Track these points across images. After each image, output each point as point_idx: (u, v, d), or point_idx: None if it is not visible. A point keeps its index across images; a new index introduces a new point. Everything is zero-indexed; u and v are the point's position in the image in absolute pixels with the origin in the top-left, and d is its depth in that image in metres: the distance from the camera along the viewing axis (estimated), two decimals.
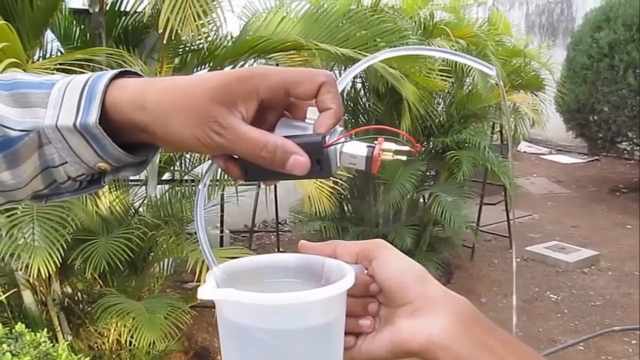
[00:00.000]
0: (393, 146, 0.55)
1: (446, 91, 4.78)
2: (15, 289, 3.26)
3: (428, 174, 5.12)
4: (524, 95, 4.87)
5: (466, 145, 4.61)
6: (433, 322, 0.56)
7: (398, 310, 0.59)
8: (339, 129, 0.56)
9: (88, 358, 1.87)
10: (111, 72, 0.56)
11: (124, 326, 3.32)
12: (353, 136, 0.56)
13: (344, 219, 5.13)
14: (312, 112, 0.57)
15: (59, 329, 3.31)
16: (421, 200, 5.20)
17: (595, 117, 8.07)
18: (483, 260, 5.79)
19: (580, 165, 10.23)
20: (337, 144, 0.55)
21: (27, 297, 3.25)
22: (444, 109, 4.90)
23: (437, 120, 4.75)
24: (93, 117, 0.53)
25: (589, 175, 9.52)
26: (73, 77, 0.56)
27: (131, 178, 4.12)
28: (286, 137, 0.55)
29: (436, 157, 4.92)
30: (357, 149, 0.56)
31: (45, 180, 0.58)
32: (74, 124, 0.53)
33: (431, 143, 4.82)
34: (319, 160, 0.55)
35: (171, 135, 0.54)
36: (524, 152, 10.95)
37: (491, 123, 5.37)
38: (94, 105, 0.53)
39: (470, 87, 4.97)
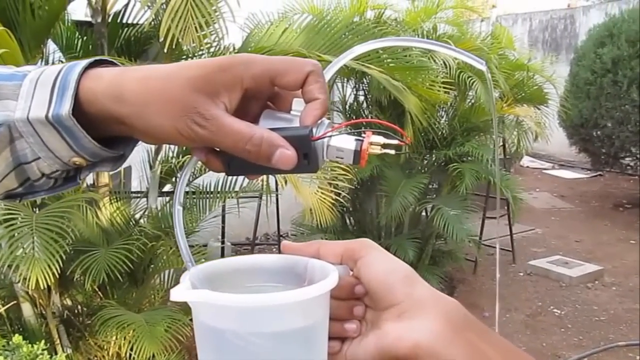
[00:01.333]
0: (381, 139, 0.54)
1: (449, 104, 4.78)
2: (15, 302, 3.23)
3: (430, 186, 5.09)
4: (527, 108, 4.85)
5: (469, 158, 4.59)
6: (421, 326, 0.53)
7: (384, 313, 0.55)
8: (326, 121, 0.55)
9: None
10: (84, 62, 0.53)
11: (124, 339, 3.28)
12: (341, 130, 0.55)
13: (346, 232, 5.10)
14: (297, 104, 0.55)
15: (58, 342, 3.27)
16: (423, 213, 5.18)
17: (599, 133, 8.06)
18: (486, 275, 5.75)
19: (583, 180, 10.20)
20: (325, 137, 0.54)
21: (27, 309, 3.22)
22: (447, 122, 4.88)
23: (440, 132, 4.74)
24: (66, 107, 0.50)
25: (593, 190, 9.48)
26: (46, 68, 0.54)
27: (132, 189, 4.11)
28: (272, 129, 0.53)
29: (439, 169, 4.90)
30: (345, 142, 0.54)
31: (19, 178, 0.55)
32: (46, 116, 0.51)
33: (434, 156, 4.80)
34: (306, 155, 0.54)
35: (150, 128, 0.52)
36: (527, 166, 10.93)
37: (494, 137, 5.35)
38: (67, 96, 0.51)
39: (473, 100, 4.96)
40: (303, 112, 0.54)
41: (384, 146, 0.54)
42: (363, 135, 0.54)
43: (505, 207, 6.14)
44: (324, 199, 3.68)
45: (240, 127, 0.51)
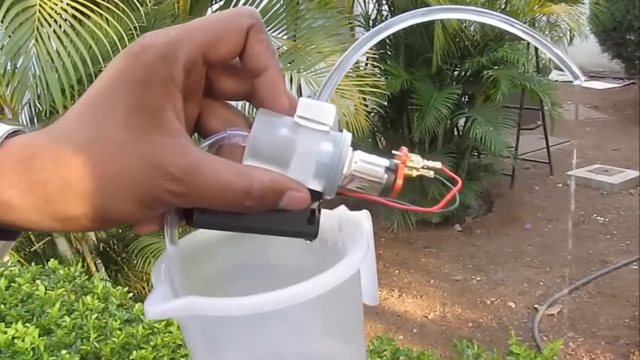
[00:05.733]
0: (419, 160, 0.41)
1: (480, 5, 4.52)
2: (49, 237, 3.19)
3: (462, 99, 4.89)
4: (564, 6, 4.56)
5: (504, 63, 4.37)
6: None
7: None
8: (348, 136, 0.40)
9: (126, 288, 1.75)
10: None
11: None
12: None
13: (378, 152, 4.94)
14: (306, 108, 0.39)
15: (96, 275, 3.24)
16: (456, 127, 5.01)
17: (632, 36, 7.71)
18: (523, 188, 5.60)
19: (616, 90, 9.88)
20: (349, 190, 0.40)
21: (62, 244, 3.19)
22: (477, 29, 4.63)
23: (474, 38, 4.50)
24: None
25: (626, 99, 9.18)
26: None
27: None
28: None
29: (471, 79, 4.69)
30: (370, 167, 0.40)
31: None
32: None
33: (466, 64, 4.58)
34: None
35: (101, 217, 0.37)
36: (556, 80, 10.59)
37: (526, 43, 5.09)
38: None
39: (505, 1, 4.69)
40: (265, 99, 0.40)
41: (423, 168, 0.40)
42: (394, 159, 0.40)
43: (540, 119, 5.96)
44: (353, 121, 3.51)
45: (229, 178, 0.37)
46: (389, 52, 4.73)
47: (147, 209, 0.37)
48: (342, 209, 0.45)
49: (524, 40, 4.84)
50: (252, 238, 0.41)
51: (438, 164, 0.41)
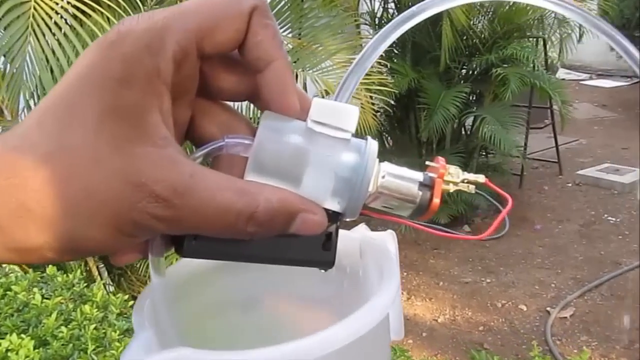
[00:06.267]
0: (459, 173, 0.34)
1: (487, 6, 4.44)
2: None
3: (471, 98, 4.81)
4: (574, 2, 4.48)
5: (513, 61, 4.29)
6: None
7: None
8: (374, 145, 0.33)
9: (126, 296, 1.68)
10: None
11: None
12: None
13: (384, 152, 4.88)
14: (320, 112, 0.32)
15: (99, 280, 3.18)
16: (465, 126, 4.93)
17: None
18: (532, 188, 5.51)
19: (624, 88, 9.78)
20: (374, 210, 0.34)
21: None
22: (486, 26, 4.55)
23: (482, 36, 4.42)
24: None
25: (635, 97, 9.06)
26: None
27: None
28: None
29: (479, 77, 4.61)
30: (401, 182, 0.33)
31: None
32: None
33: (474, 63, 4.50)
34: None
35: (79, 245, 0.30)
36: (563, 79, 10.50)
37: (534, 40, 5.01)
38: None
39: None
40: (270, 98, 0.33)
41: (463, 182, 0.34)
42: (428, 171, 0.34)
43: (549, 117, 5.87)
44: (365, 112, 3.44)
45: (228, 199, 0.30)
46: (395, 51, 4.65)
47: (125, 236, 0.29)
48: (363, 228, 0.38)
49: (538, 37, 4.78)
50: (254, 264, 0.34)
51: (481, 177, 0.35)
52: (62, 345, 1.32)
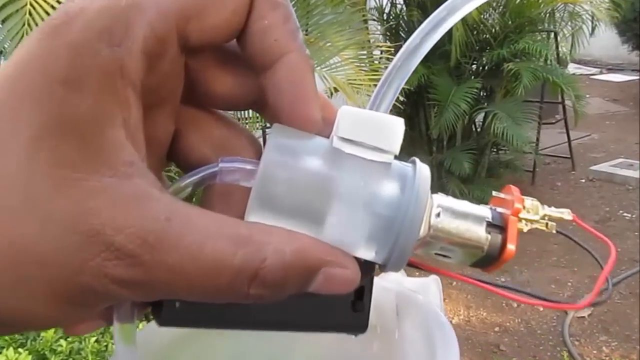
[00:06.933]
0: (538, 207, 0.27)
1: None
2: None
3: (481, 94, 4.73)
4: None
5: (524, 55, 4.19)
6: None
7: None
8: (425, 168, 0.25)
9: None
10: None
11: None
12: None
13: None
14: (349, 121, 0.24)
15: None
16: (476, 123, 4.85)
17: None
18: (545, 184, 5.42)
19: (635, 82, 9.66)
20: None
21: None
22: (497, 20, 4.46)
23: (493, 30, 4.33)
24: None
25: None
26: None
27: None
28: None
29: (490, 73, 4.52)
30: (465, 216, 0.25)
31: None
32: None
33: (484, 58, 4.41)
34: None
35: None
36: (573, 74, 10.39)
37: (545, 34, 4.92)
38: None
39: None
40: (281, 105, 0.24)
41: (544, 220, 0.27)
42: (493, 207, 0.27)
43: (561, 112, 5.78)
44: None
45: (221, 251, 0.21)
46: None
47: (74, 306, 0.21)
48: (398, 275, 0.30)
49: (549, 31, 4.68)
50: None
51: (566, 213, 0.27)
52: (62, 359, 1.25)
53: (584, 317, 3.42)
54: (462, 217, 0.24)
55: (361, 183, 0.23)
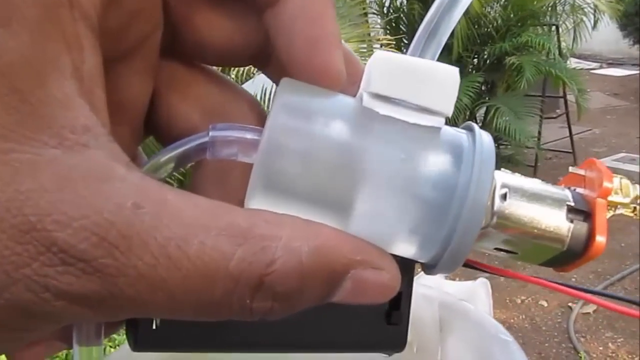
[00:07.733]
0: (631, 188, 0.22)
1: None
2: None
3: (483, 88, 4.69)
4: None
5: (527, 49, 4.15)
6: None
7: None
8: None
9: None
10: None
11: None
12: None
13: None
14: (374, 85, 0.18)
15: None
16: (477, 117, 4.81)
17: None
18: (547, 179, 5.13)
19: (636, 76, 9.63)
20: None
21: None
22: (499, 13, 4.42)
23: (495, 23, 4.29)
24: None
25: None
26: None
27: None
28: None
29: (492, 67, 4.48)
30: (540, 198, 0.19)
31: None
32: None
33: (486, 51, 4.37)
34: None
35: None
36: (573, 68, 10.39)
37: (547, 28, 4.89)
38: None
39: None
40: (291, 55, 0.19)
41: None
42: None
43: (562, 106, 5.74)
44: None
45: (212, 250, 0.15)
46: (405, 40, 4.53)
47: (9, 331, 0.15)
48: (436, 278, 0.25)
49: (551, 24, 4.63)
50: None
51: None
52: None
53: (589, 313, 3.38)
54: (535, 200, 0.19)
55: (401, 155, 0.17)
